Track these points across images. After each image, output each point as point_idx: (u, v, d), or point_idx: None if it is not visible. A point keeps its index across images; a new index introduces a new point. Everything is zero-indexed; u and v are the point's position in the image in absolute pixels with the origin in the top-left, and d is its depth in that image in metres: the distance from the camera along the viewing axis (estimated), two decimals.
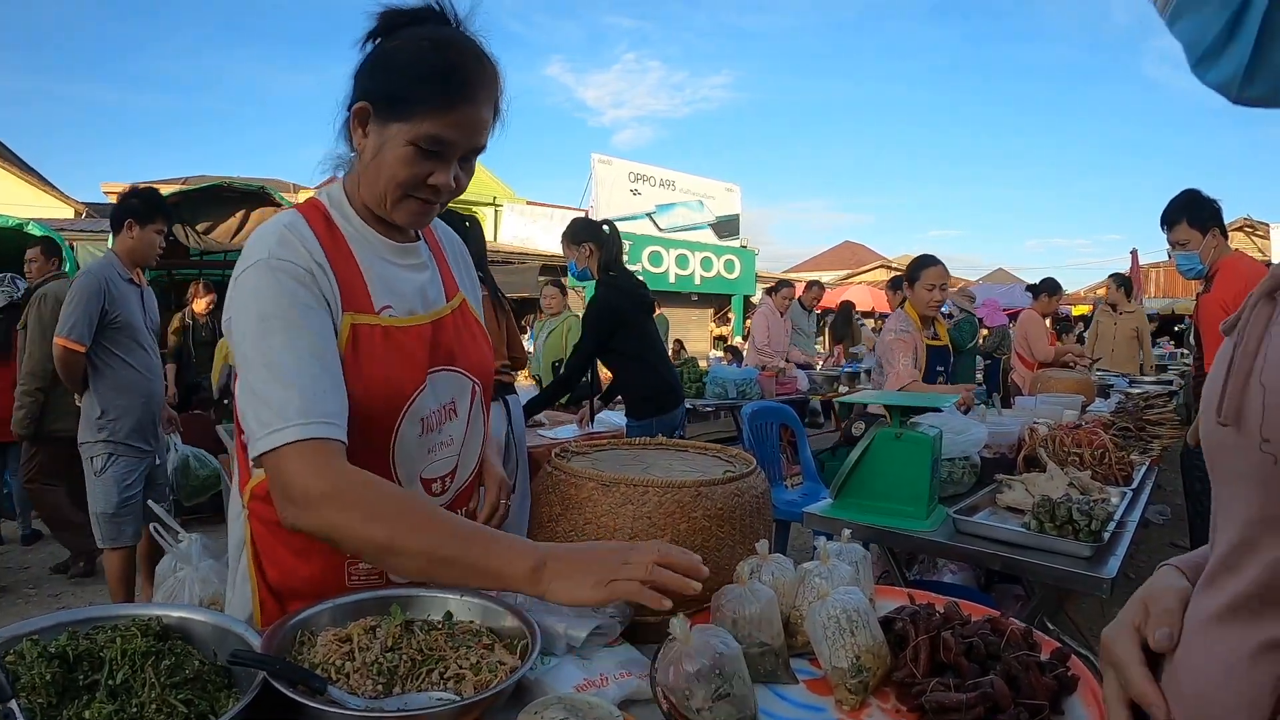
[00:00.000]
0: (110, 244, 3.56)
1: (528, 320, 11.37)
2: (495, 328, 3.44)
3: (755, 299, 15.55)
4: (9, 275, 4.94)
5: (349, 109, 1.10)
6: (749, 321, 12.14)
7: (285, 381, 0.98)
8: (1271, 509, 0.52)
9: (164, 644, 0.93)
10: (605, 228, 3.77)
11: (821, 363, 8.78)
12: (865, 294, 17.09)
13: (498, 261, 11.73)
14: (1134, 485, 2.44)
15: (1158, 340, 13.48)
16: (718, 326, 16.92)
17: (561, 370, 4.29)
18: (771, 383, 6.52)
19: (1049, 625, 1.88)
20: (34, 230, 6.62)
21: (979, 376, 8.64)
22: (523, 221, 16.95)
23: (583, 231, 3.77)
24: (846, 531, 1.25)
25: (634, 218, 14.83)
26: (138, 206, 3.36)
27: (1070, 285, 12.65)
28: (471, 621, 1.05)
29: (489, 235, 15.09)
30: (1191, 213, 3.47)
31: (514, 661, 0.95)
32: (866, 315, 15.22)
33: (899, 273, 6.80)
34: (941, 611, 1.11)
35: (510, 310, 3.74)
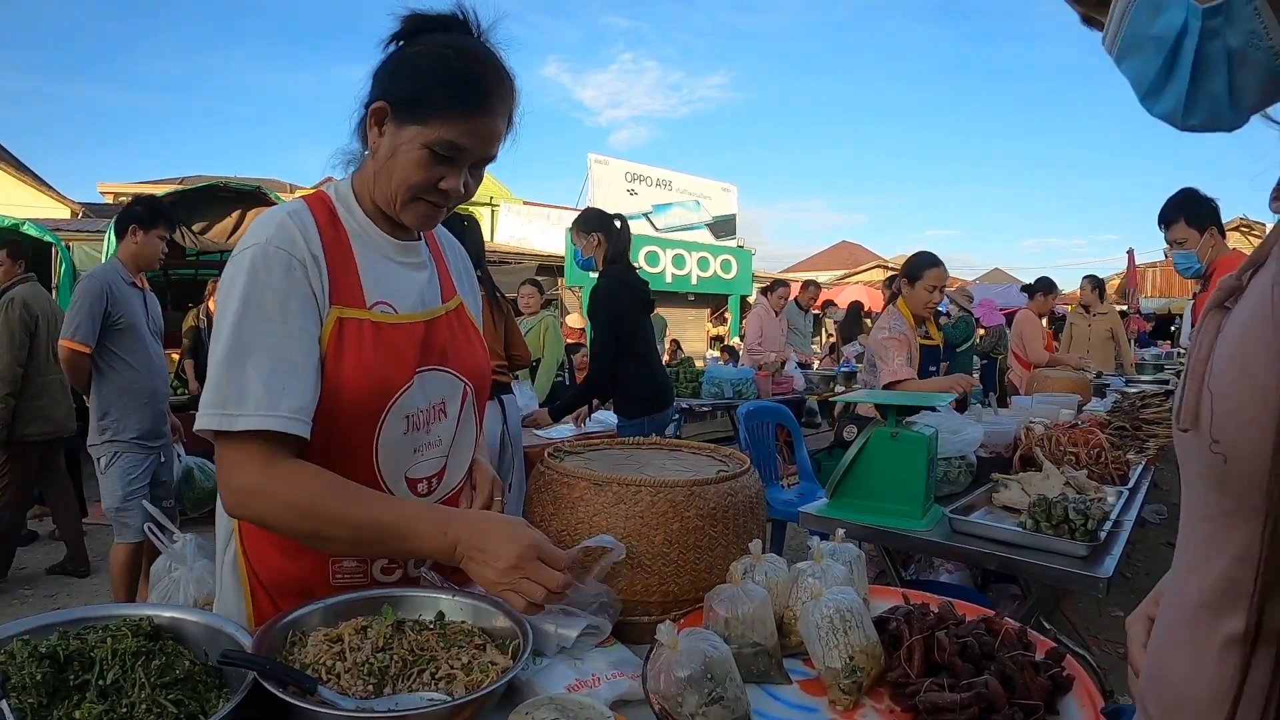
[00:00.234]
0: (106, 244, 3.59)
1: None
2: (492, 327, 3.45)
3: (752, 299, 15.54)
4: None
5: (366, 107, 1.12)
6: (745, 321, 12.14)
7: (251, 369, 1.01)
8: (1225, 505, 0.55)
9: (155, 644, 0.93)
10: (616, 222, 3.79)
11: (819, 362, 8.79)
12: (862, 294, 17.09)
13: (494, 261, 11.71)
14: (1130, 484, 2.44)
15: (1154, 340, 13.50)
16: (714, 326, 16.89)
17: (560, 378, 4.27)
18: (768, 382, 6.52)
19: (1045, 625, 1.88)
20: (30, 230, 6.61)
21: (975, 376, 8.65)
22: (519, 221, 16.90)
23: (594, 221, 3.79)
24: (840, 531, 1.24)
25: (631, 218, 14.67)
26: (141, 213, 3.50)
27: (1067, 285, 12.65)
28: (463, 622, 1.04)
29: (486, 235, 15.05)
30: (1189, 211, 3.47)
31: (505, 662, 0.94)
32: (865, 315, 15.21)
33: (895, 272, 6.81)
34: (936, 611, 1.11)
35: (509, 310, 3.75)
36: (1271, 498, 0.49)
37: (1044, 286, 7.24)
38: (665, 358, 9.81)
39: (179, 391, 5.99)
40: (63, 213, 14.29)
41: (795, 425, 4.54)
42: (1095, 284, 7.44)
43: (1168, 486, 5.41)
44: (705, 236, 16.33)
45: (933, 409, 2.25)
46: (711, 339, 16.46)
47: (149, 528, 2.70)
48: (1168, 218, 3.53)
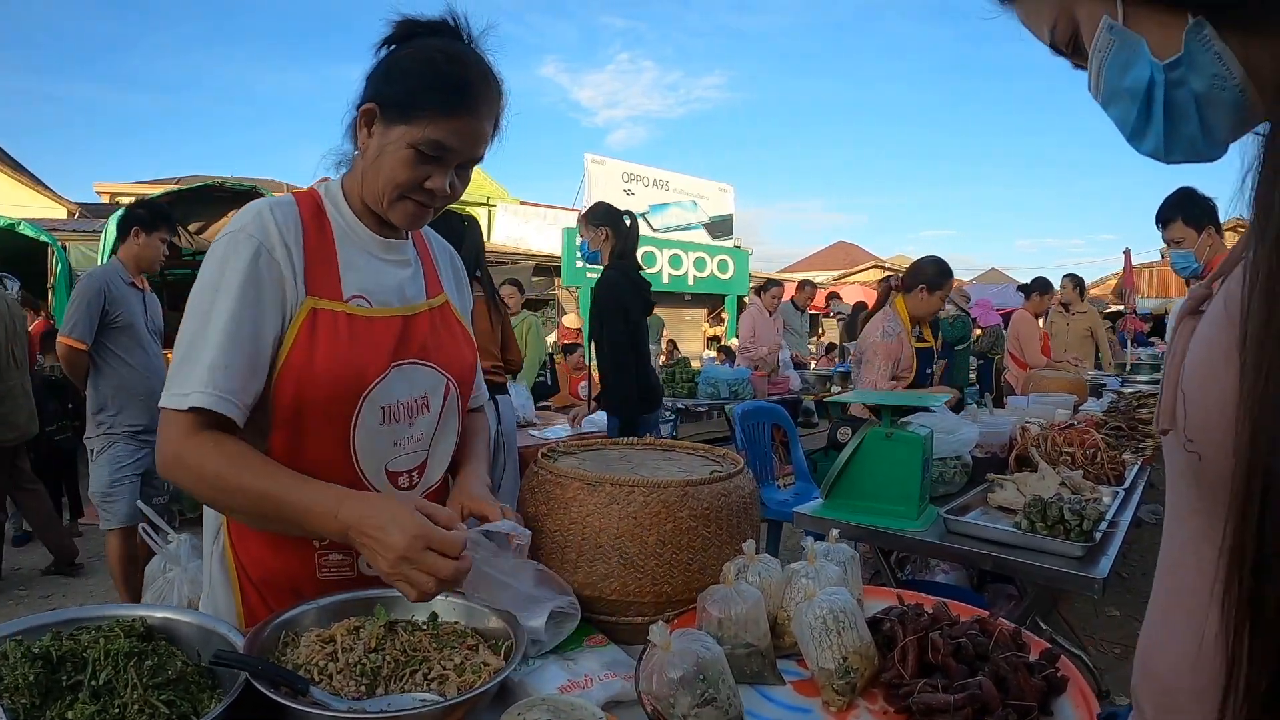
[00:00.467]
0: (102, 242, 3.62)
1: None
2: (488, 328, 3.44)
3: (748, 299, 15.54)
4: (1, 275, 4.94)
5: (357, 109, 1.15)
6: (739, 321, 12.14)
7: (204, 349, 1.05)
8: (1204, 502, 0.58)
9: (147, 645, 0.92)
10: (626, 219, 3.81)
11: (815, 362, 8.79)
12: (859, 294, 17.10)
13: (490, 261, 11.71)
14: (1126, 485, 2.44)
15: (1150, 340, 13.51)
16: (711, 327, 16.87)
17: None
18: (764, 382, 6.52)
19: (1041, 625, 1.88)
20: (26, 230, 6.60)
21: (972, 376, 8.65)
22: (516, 221, 16.89)
23: (604, 215, 3.81)
24: (834, 532, 1.25)
25: None
26: (144, 216, 3.63)
27: None
28: (456, 622, 1.04)
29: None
30: (1187, 210, 3.46)
31: (498, 662, 0.94)
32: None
33: (892, 272, 6.80)
34: (930, 612, 1.11)
35: (506, 312, 3.74)
36: (1234, 493, 0.51)
37: (1041, 287, 7.25)
38: (662, 358, 9.80)
39: None
40: (59, 213, 14.23)
41: (791, 425, 4.54)
42: (1076, 283, 7.52)
43: (1163, 486, 5.42)
44: (702, 237, 16.32)
45: (927, 409, 2.25)
46: (708, 339, 16.45)
47: (144, 529, 2.70)
48: (1165, 217, 3.53)
